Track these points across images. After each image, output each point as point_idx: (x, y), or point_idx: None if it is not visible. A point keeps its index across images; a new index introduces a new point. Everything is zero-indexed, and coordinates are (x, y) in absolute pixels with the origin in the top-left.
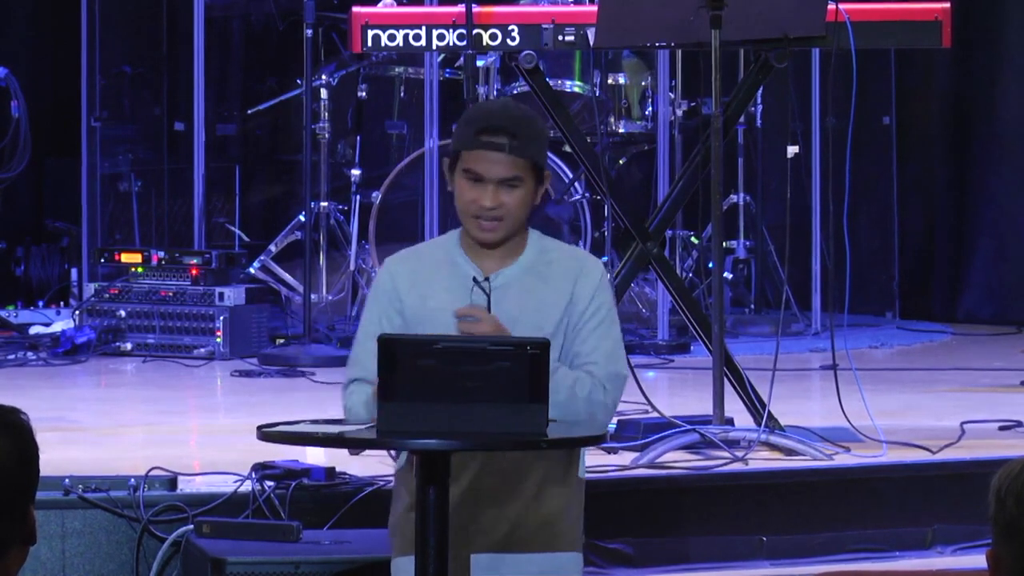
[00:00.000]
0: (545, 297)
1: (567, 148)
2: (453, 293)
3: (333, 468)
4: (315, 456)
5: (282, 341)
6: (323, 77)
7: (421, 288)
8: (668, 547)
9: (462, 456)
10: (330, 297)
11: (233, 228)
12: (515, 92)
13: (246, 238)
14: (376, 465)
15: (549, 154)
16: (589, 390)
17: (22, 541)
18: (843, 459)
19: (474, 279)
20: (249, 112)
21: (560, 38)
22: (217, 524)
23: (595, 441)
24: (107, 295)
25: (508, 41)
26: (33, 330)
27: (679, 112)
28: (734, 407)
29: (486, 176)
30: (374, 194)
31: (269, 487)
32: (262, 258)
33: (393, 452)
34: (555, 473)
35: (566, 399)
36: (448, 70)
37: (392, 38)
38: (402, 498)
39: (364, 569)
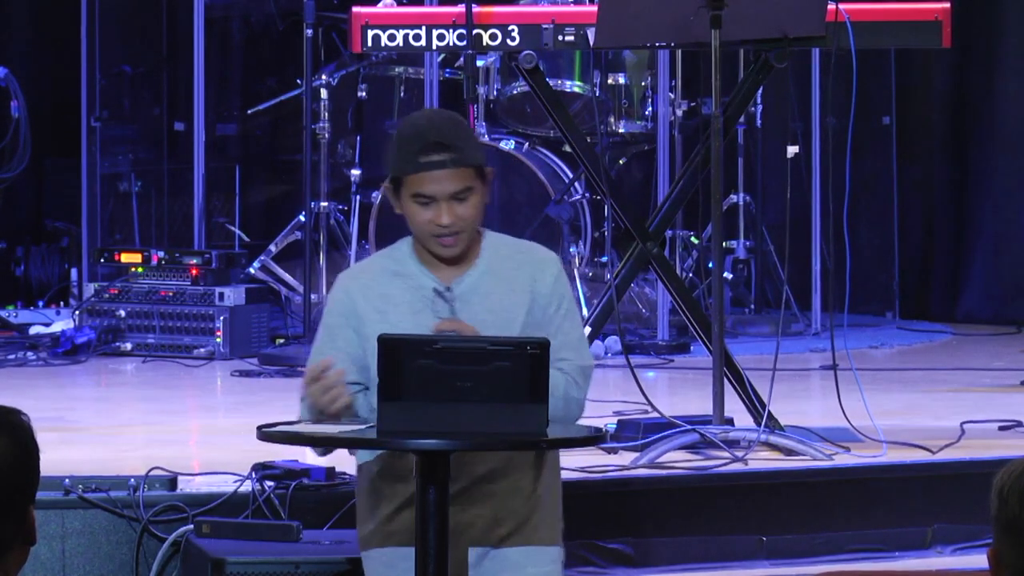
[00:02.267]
0: (506, 299)
1: (567, 148)
2: (413, 306)
3: (333, 468)
4: (315, 456)
5: (282, 341)
6: (323, 77)
7: (377, 303)
8: (668, 547)
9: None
10: None
11: (233, 228)
12: (515, 92)
13: (246, 238)
14: None
15: (549, 154)
16: (564, 388)
17: (22, 541)
18: (843, 459)
19: (435, 290)
20: (249, 112)
21: (560, 38)
22: (217, 524)
23: (595, 441)
24: (107, 295)
25: (508, 41)
26: (33, 330)
27: (679, 112)
28: (734, 407)
29: (437, 196)
30: (374, 194)
31: (269, 487)
32: (262, 258)
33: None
34: (527, 472)
35: None
36: (448, 70)
37: (392, 38)
38: (368, 497)
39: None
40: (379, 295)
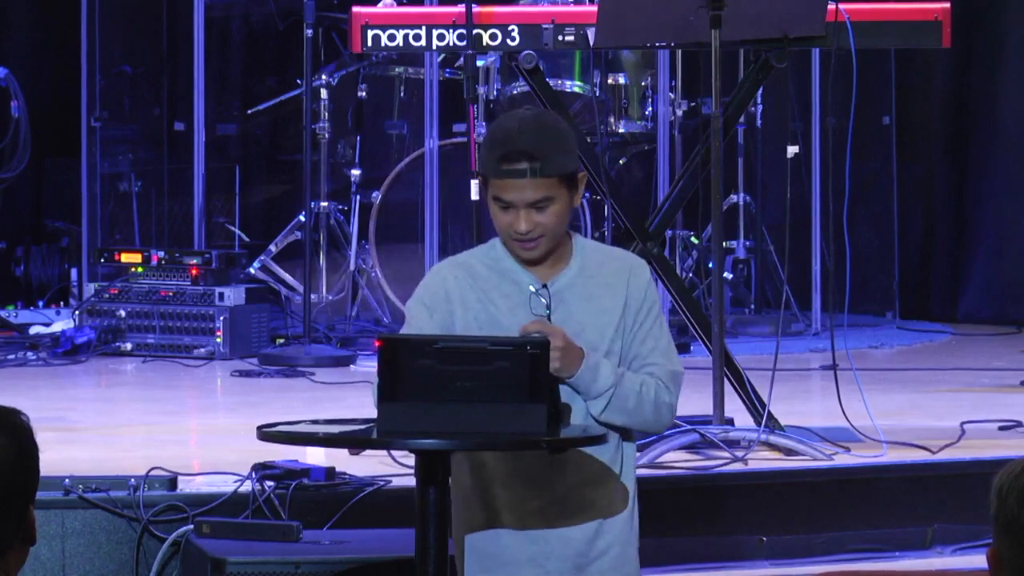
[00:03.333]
0: (602, 301)
1: None
2: (511, 300)
3: (333, 468)
4: (315, 456)
5: (282, 341)
6: (323, 77)
7: (478, 295)
8: (668, 547)
9: (530, 481)
10: (330, 297)
11: (233, 228)
12: (515, 92)
13: (246, 238)
14: (376, 465)
15: None
16: (655, 392)
17: (22, 541)
18: (843, 459)
19: (532, 288)
20: (249, 112)
21: (560, 38)
22: (217, 524)
23: (595, 441)
24: (107, 295)
25: (508, 41)
26: (33, 330)
27: (679, 112)
28: (734, 407)
29: (516, 203)
30: (374, 194)
31: (269, 487)
32: (262, 258)
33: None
34: (618, 484)
35: (635, 404)
36: (448, 70)
37: (392, 38)
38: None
39: (364, 569)
40: (479, 288)
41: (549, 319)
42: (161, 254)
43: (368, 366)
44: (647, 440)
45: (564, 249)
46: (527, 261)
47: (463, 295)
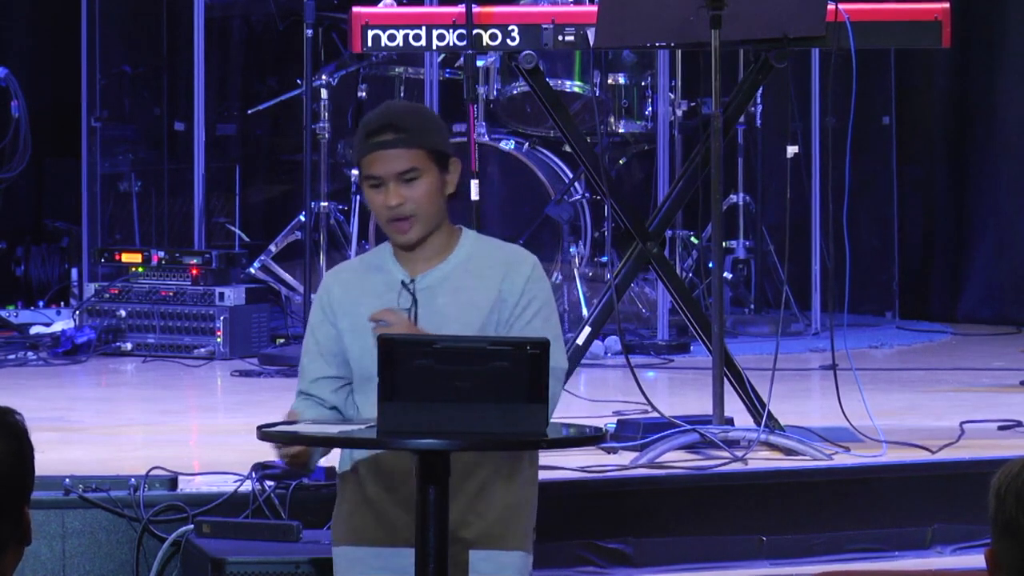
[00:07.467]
0: (472, 295)
1: (567, 148)
2: (382, 298)
3: (333, 468)
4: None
5: (282, 341)
6: (323, 77)
7: (354, 296)
8: (668, 547)
9: (401, 458)
10: None
11: (233, 228)
12: (515, 92)
13: (246, 238)
14: None
15: (549, 154)
16: None
17: (17, 542)
18: (843, 459)
19: (401, 282)
20: (249, 112)
21: (560, 38)
22: (217, 524)
23: (595, 441)
24: (107, 295)
25: (508, 41)
26: (33, 330)
27: (679, 112)
28: (734, 407)
29: (382, 175)
30: None
31: (269, 487)
32: (262, 258)
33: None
34: (500, 472)
35: None
36: (448, 70)
37: (392, 38)
38: (346, 499)
39: None
40: (356, 289)
41: (414, 312)
42: (161, 254)
43: None
44: (647, 440)
45: (448, 242)
46: (403, 247)
47: (341, 298)
